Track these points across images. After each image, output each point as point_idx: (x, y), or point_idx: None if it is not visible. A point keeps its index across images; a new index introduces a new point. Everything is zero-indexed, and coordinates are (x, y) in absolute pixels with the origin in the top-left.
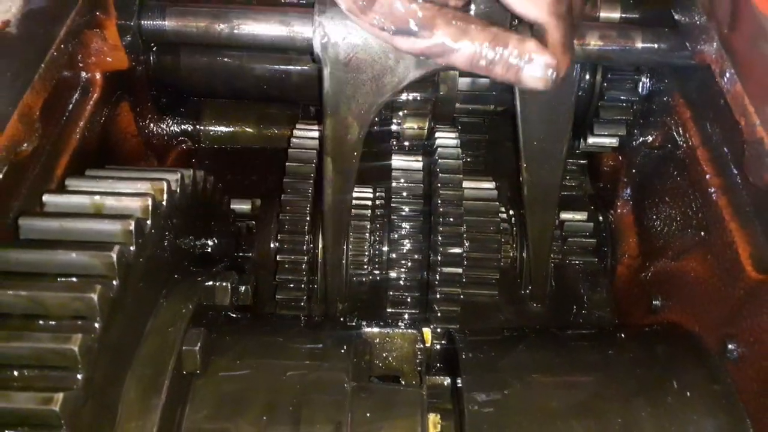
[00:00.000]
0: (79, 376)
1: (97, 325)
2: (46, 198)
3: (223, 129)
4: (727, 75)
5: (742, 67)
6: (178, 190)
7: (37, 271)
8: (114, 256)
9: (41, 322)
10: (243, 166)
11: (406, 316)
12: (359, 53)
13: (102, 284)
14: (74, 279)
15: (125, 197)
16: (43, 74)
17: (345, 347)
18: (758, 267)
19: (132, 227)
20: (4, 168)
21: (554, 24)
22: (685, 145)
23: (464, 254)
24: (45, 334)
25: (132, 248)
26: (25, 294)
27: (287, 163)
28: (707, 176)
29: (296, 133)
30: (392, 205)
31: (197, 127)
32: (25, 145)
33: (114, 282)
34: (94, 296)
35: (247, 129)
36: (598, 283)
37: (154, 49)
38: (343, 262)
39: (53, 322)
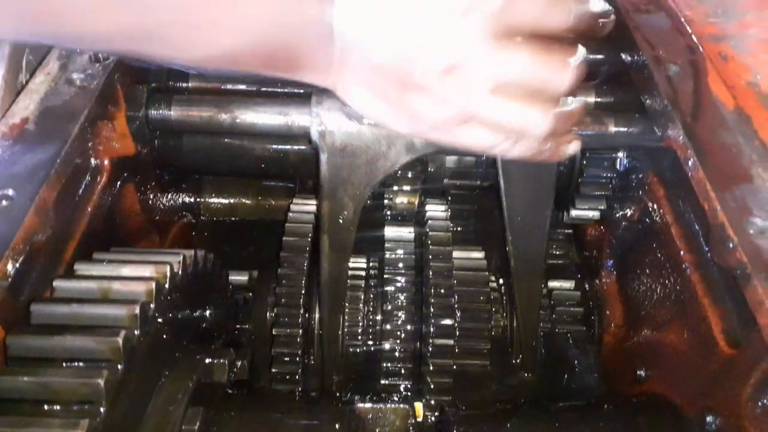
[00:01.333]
0: None
1: (102, 409)
2: (56, 283)
3: (223, 201)
4: (691, 161)
5: (704, 155)
6: (179, 272)
7: (47, 357)
8: (120, 341)
9: (50, 407)
10: (241, 238)
11: (401, 388)
12: (354, 140)
13: (108, 369)
14: (82, 364)
15: (130, 281)
16: (59, 168)
17: (339, 424)
18: (730, 342)
19: (137, 311)
20: (20, 259)
21: None
22: (660, 221)
23: (456, 325)
24: (54, 420)
25: (137, 332)
26: (35, 380)
27: (284, 238)
28: (681, 252)
29: (293, 207)
30: (385, 276)
31: (197, 200)
32: (40, 235)
33: (119, 366)
34: (101, 381)
35: (245, 201)
36: (587, 352)
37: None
38: (340, 333)
39: (61, 407)
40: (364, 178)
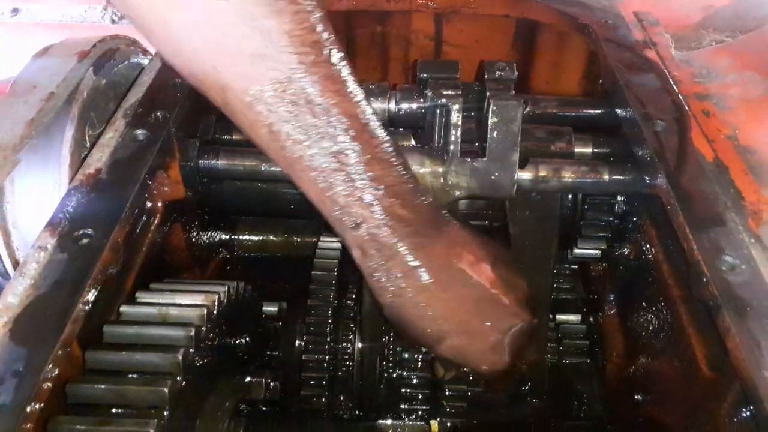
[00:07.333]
0: None
1: (166, 413)
2: (123, 309)
3: (255, 239)
4: (673, 207)
5: (684, 201)
6: (225, 300)
7: (118, 369)
8: (179, 357)
9: (123, 410)
10: (271, 272)
11: (420, 412)
12: None
13: (170, 379)
14: (148, 376)
15: (185, 308)
16: (128, 211)
17: None
18: (711, 366)
19: (192, 333)
20: (98, 288)
21: None
22: (653, 259)
23: None
24: (127, 420)
25: (192, 350)
26: (110, 388)
27: (312, 272)
28: (670, 287)
29: (320, 245)
30: None
31: (232, 237)
32: (112, 268)
33: (178, 378)
34: (165, 389)
35: (275, 239)
36: (591, 381)
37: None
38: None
39: (132, 411)
40: None
